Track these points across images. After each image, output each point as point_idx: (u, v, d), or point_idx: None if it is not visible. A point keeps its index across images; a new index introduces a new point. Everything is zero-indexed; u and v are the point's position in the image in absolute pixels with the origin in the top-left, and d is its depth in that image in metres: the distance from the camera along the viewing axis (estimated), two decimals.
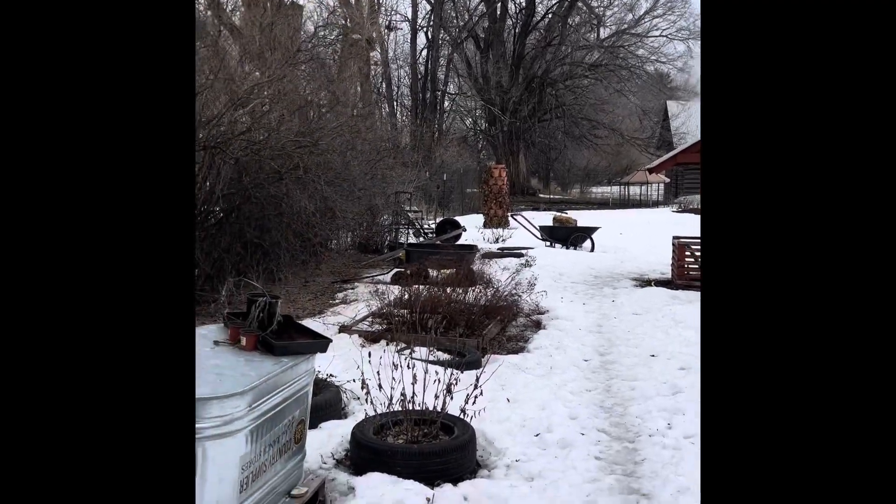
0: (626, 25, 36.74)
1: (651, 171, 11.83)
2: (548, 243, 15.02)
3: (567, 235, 14.91)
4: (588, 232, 14.84)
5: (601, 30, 37.91)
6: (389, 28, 34.32)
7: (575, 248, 14.51)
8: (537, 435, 4.27)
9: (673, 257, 10.46)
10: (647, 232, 17.83)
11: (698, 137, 11.61)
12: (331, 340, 3.31)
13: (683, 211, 27.74)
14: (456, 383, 4.00)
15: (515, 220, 17.17)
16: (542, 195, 39.80)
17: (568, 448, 4.10)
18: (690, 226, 16.25)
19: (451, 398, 3.96)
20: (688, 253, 10.09)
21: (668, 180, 36.57)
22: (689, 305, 8.32)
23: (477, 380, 3.95)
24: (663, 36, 36.52)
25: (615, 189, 38.92)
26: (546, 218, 17.82)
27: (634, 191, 37.70)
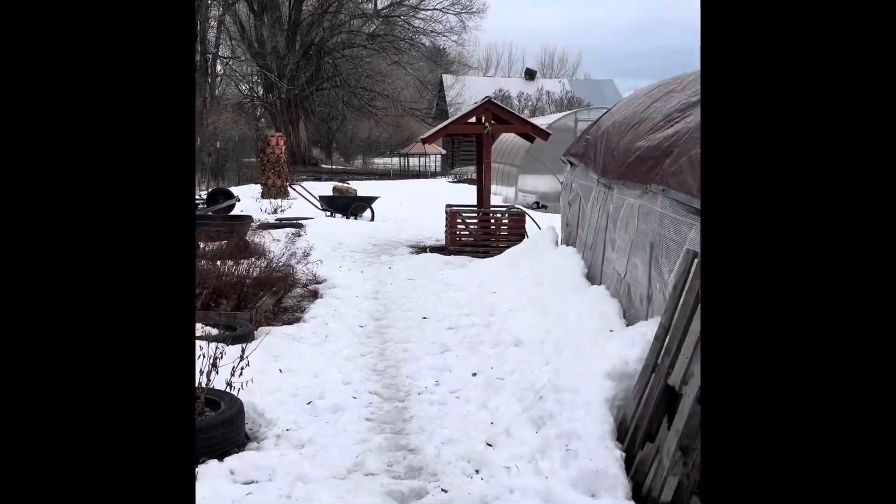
0: None
1: (425, 141, 12.19)
2: (328, 213, 14.92)
3: (347, 205, 14.91)
4: (368, 201, 14.97)
5: (377, 0, 38.05)
6: None
7: (355, 218, 14.58)
8: (309, 403, 4.27)
9: (446, 224, 10.92)
10: (425, 201, 18.39)
11: (470, 107, 12.16)
12: None
13: (459, 181, 28.99)
14: (221, 357, 3.85)
15: (295, 190, 16.82)
16: (324, 165, 39.31)
17: (340, 413, 4.15)
18: (465, 195, 17.06)
19: (217, 373, 3.82)
20: (458, 220, 10.60)
21: (444, 152, 37.97)
22: (459, 269, 8.76)
23: (242, 351, 3.84)
24: (437, 9, 37.55)
25: (396, 160, 39.60)
26: (328, 188, 17.62)
27: (414, 162, 38.64)
